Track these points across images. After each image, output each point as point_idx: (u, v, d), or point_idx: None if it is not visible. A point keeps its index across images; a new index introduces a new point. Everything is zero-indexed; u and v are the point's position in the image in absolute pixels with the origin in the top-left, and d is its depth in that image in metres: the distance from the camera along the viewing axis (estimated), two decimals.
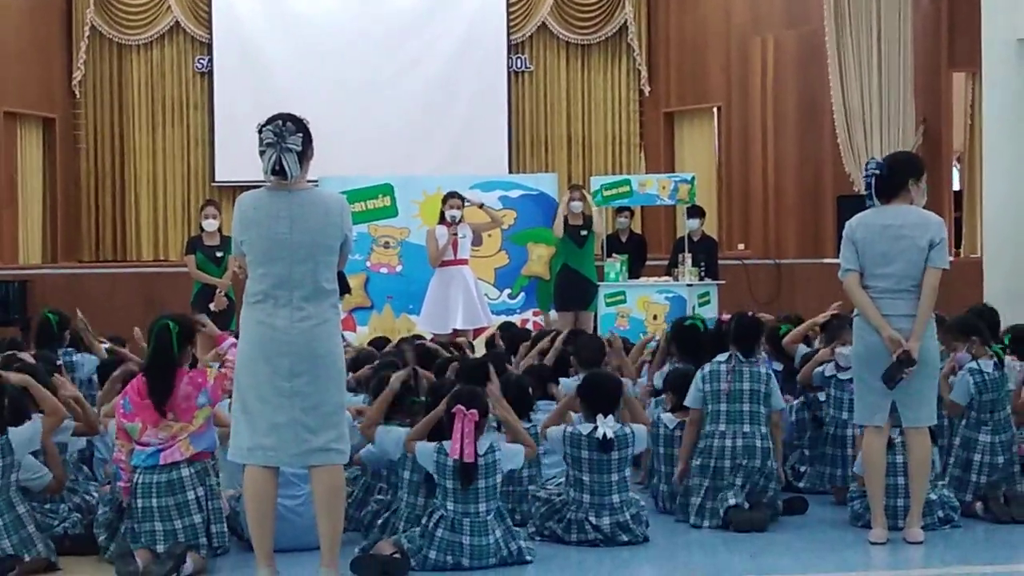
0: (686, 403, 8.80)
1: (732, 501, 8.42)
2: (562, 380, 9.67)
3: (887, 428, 8.07)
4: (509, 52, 21.85)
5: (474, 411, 7.57)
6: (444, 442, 7.60)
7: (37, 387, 7.85)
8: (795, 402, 9.70)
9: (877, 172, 8.09)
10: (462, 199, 14.45)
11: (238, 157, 19.99)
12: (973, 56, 15.84)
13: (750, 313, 9.18)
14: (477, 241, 14.94)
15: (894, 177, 8.09)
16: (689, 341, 9.76)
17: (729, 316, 9.06)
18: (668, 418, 9.00)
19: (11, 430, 7.56)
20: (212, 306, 14.01)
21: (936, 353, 8.08)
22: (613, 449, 8.04)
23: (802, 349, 10.07)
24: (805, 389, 9.67)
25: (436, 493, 7.60)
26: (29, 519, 7.50)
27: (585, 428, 8.13)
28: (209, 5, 21.54)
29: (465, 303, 14.26)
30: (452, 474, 7.51)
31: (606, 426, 8.06)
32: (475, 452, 7.51)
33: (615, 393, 8.39)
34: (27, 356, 9.10)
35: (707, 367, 8.75)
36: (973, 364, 8.92)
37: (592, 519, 8.02)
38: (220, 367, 7.58)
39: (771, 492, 8.58)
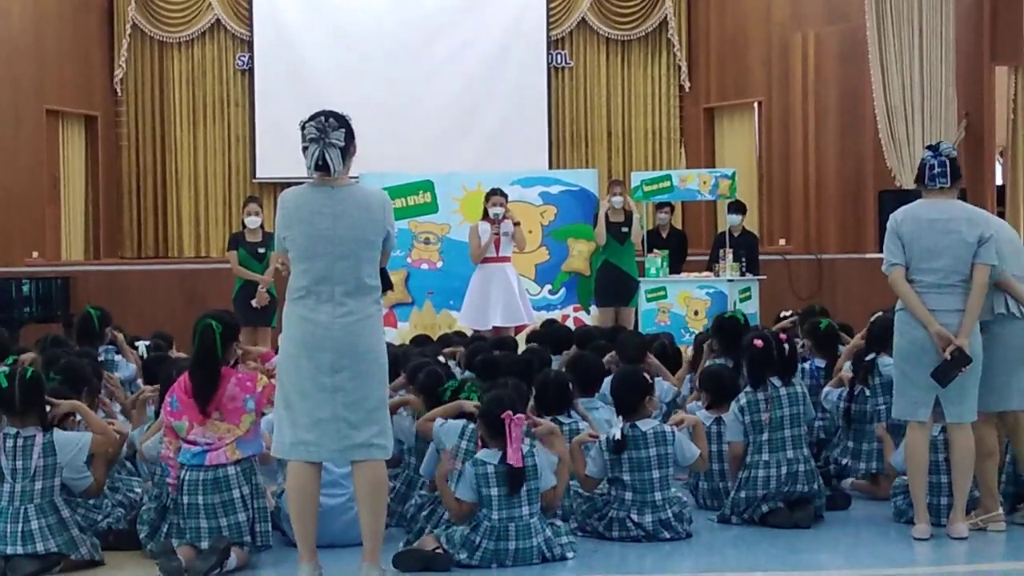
0: (727, 438, 8.70)
1: (765, 509, 8.40)
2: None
3: (930, 424, 8.02)
4: (549, 48, 21.85)
5: (521, 416, 7.54)
6: (478, 454, 7.57)
7: (87, 411, 7.86)
8: (836, 392, 9.59)
9: (955, 153, 8.05)
10: (505, 196, 14.42)
11: (279, 154, 20.12)
12: (1016, 50, 15.78)
13: (781, 334, 8.93)
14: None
15: (958, 166, 8.07)
16: (731, 335, 9.68)
17: (761, 341, 8.71)
18: (704, 415, 8.96)
19: (58, 433, 7.59)
20: (254, 302, 14.09)
21: (980, 349, 7.96)
22: (649, 446, 8.00)
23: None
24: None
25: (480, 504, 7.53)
26: (73, 523, 7.51)
27: (618, 431, 8.11)
28: (250, 2, 21.62)
29: (505, 300, 14.23)
30: (497, 481, 7.46)
31: (617, 427, 8.06)
32: (523, 457, 7.48)
33: (638, 393, 8.28)
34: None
35: (743, 399, 8.60)
36: None
37: (634, 516, 7.99)
38: (270, 379, 7.57)
39: (813, 491, 8.53)
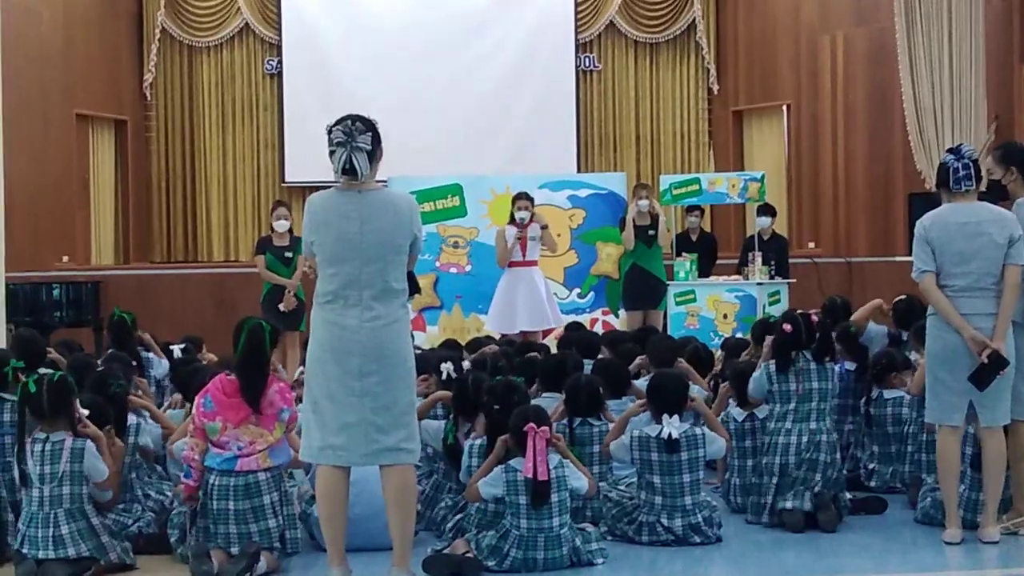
0: (750, 393, 8.78)
1: (789, 504, 8.38)
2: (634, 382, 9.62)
3: (962, 428, 7.97)
4: (577, 51, 21.82)
5: (545, 428, 7.51)
6: (511, 461, 7.56)
7: (105, 450, 7.72)
8: (863, 399, 9.62)
9: (977, 155, 8.04)
10: (531, 199, 14.41)
11: (307, 158, 20.11)
12: None
13: (812, 316, 8.98)
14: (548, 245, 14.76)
15: (979, 168, 8.05)
16: None
17: (790, 325, 8.69)
18: (737, 412, 8.95)
19: (89, 445, 7.57)
20: (281, 306, 14.11)
21: (1014, 351, 7.94)
22: (680, 450, 7.99)
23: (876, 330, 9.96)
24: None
25: (505, 512, 7.52)
26: (103, 528, 7.52)
27: (653, 430, 8.08)
28: (278, 7, 21.63)
29: (532, 304, 14.23)
30: (525, 490, 7.44)
31: (671, 426, 8.01)
32: (548, 469, 7.45)
33: (681, 393, 8.32)
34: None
35: (772, 366, 8.65)
36: None
37: (664, 521, 7.98)
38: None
39: (838, 492, 8.50)
